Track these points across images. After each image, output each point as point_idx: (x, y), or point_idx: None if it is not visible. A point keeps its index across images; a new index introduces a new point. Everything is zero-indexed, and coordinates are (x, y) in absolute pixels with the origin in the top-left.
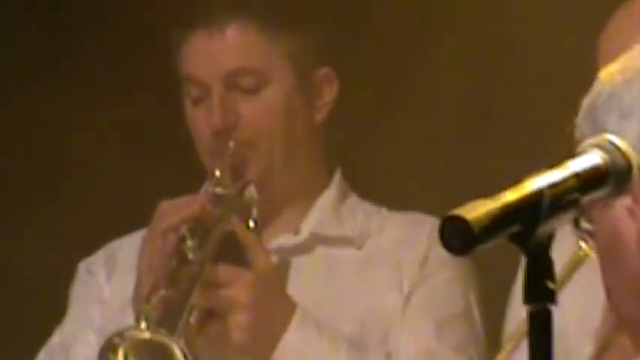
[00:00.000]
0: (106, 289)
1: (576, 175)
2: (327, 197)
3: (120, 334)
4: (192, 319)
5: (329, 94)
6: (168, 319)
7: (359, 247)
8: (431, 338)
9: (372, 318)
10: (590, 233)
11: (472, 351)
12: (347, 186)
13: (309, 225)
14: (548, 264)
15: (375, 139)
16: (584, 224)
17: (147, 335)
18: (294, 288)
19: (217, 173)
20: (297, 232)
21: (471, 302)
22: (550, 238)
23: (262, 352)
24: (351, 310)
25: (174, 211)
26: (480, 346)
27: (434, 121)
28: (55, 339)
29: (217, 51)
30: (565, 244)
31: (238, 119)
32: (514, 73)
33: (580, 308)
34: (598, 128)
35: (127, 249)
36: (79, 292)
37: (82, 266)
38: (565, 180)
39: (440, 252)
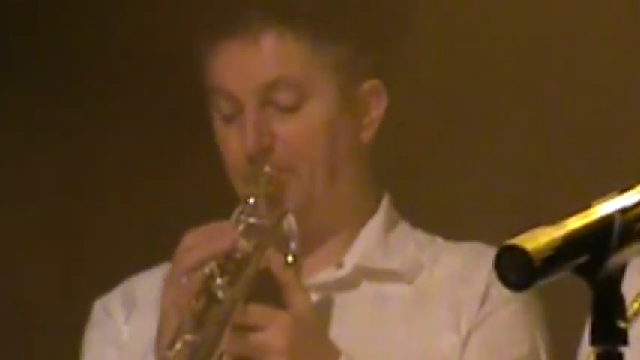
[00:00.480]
0: (125, 331)
1: None
2: (374, 226)
3: None
4: None
5: (377, 109)
6: None
7: (410, 282)
8: None
9: None
10: None
11: None
12: (397, 214)
13: (353, 257)
14: (618, 300)
15: (430, 163)
16: None
17: None
18: (338, 328)
19: (251, 201)
20: (340, 265)
21: (537, 343)
22: (621, 270)
23: None
24: (402, 353)
25: (201, 244)
26: None
27: (495, 148)
28: None
29: (251, 61)
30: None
31: (274, 141)
32: (576, 111)
33: None
34: None
35: (146, 286)
36: (95, 336)
37: (99, 305)
38: (638, 204)
39: (502, 287)
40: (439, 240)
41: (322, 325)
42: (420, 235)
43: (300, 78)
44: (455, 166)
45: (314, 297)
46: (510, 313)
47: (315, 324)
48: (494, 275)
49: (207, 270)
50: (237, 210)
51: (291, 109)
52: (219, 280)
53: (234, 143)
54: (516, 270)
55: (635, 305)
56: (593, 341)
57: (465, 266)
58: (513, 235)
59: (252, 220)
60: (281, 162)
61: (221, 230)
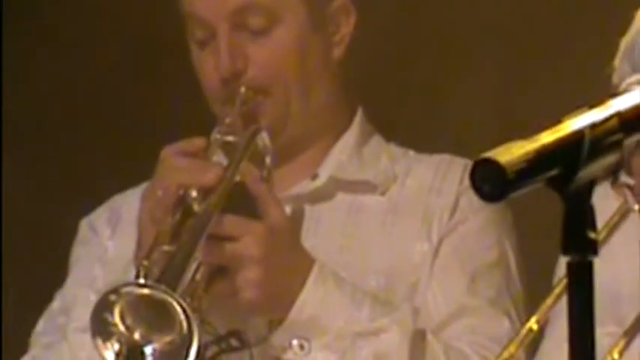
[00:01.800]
0: (110, 248)
1: (619, 115)
2: (348, 139)
3: (116, 290)
4: (198, 276)
5: (346, 26)
6: (170, 275)
7: (383, 193)
8: (463, 292)
9: (398, 271)
10: (630, 187)
11: (508, 304)
12: (370, 127)
13: (327, 169)
14: (589, 212)
15: (401, 75)
16: (624, 178)
17: (145, 291)
18: (313, 239)
19: (227, 120)
20: (314, 177)
21: (506, 250)
22: (591, 184)
23: (276, 311)
24: (375, 262)
25: (186, 170)
26: (518, 299)
27: (468, 57)
28: (56, 304)
29: None
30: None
31: (247, 63)
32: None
33: (637, 271)
34: (639, 67)
35: (131, 203)
36: (81, 253)
37: (85, 223)
38: (607, 120)
39: (472, 197)
40: (411, 153)
41: (297, 235)
42: (393, 148)
43: (270, 1)
44: (427, 78)
45: (289, 209)
46: (480, 222)
47: (290, 234)
48: (464, 185)
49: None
50: (215, 129)
51: (263, 32)
52: (194, 194)
53: (209, 67)
54: (490, 182)
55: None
56: (565, 251)
57: (436, 177)
58: (488, 149)
59: (228, 137)
60: (255, 83)
61: (207, 164)
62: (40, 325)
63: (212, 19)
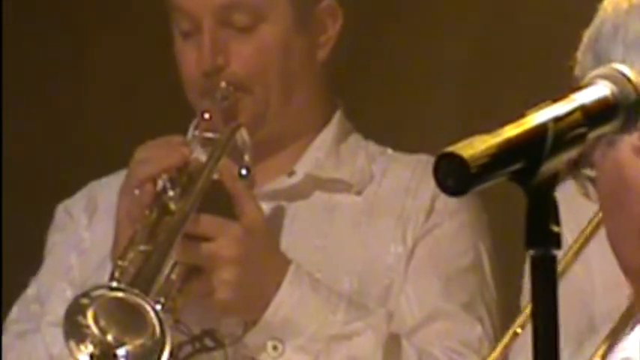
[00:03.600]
0: (86, 237)
1: (583, 108)
2: (325, 137)
3: (88, 294)
4: (173, 276)
5: (332, 28)
6: (144, 276)
7: (359, 193)
8: (436, 296)
9: (372, 273)
10: (592, 180)
11: (481, 309)
12: (350, 125)
13: (304, 166)
14: (552, 205)
15: (380, 72)
16: (586, 171)
17: (118, 294)
18: (288, 237)
19: (207, 116)
20: (291, 173)
21: (481, 254)
22: (554, 177)
23: (251, 312)
24: (350, 263)
25: (153, 159)
26: (491, 303)
27: (443, 60)
28: (30, 291)
29: None
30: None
31: (230, 59)
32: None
33: (610, 269)
34: (603, 60)
35: (108, 192)
36: (56, 239)
37: (61, 208)
38: (571, 113)
39: (448, 199)
40: (389, 151)
41: (273, 236)
42: (372, 147)
43: (257, 0)
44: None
45: (265, 206)
46: (455, 225)
47: (266, 235)
48: None
49: (160, 183)
50: (193, 123)
51: (247, 30)
52: (171, 193)
53: (190, 58)
54: (454, 176)
55: (575, 246)
56: (529, 245)
57: (413, 178)
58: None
59: (206, 133)
60: (236, 79)
61: (172, 145)
62: (14, 312)
63: (198, 13)
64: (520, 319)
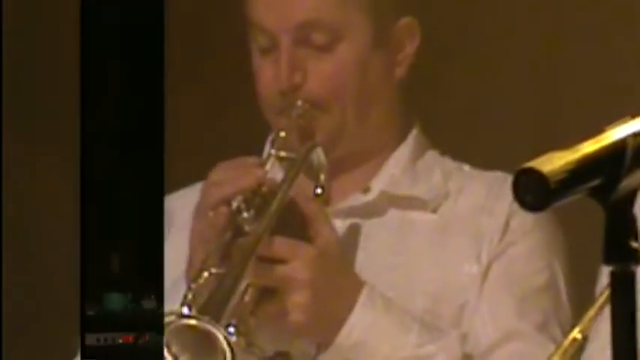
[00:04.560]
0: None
1: None
2: (402, 154)
3: None
4: (246, 298)
5: (410, 46)
6: (216, 300)
7: (434, 211)
8: (511, 317)
9: (446, 292)
10: None
11: (556, 329)
12: (427, 141)
13: (379, 183)
14: (631, 221)
15: (457, 92)
16: None
17: (190, 322)
18: (363, 255)
19: (282, 134)
20: (366, 190)
21: (556, 274)
22: (634, 192)
23: (323, 335)
24: (423, 282)
25: (227, 181)
26: (566, 323)
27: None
28: None
29: (290, 1)
30: None
31: (307, 77)
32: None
33: None
34: None
35: (184, 206)
36: None
37: None
38: None
39: (523, 217)
40: (466, 168)
41: (346, 257)
42: (448, 163)
43: (336, 19)
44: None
45: (340, 223)
46: (530, 244)
47: (340, 257)
48: (516, 206)
49: (234, 204)
50: (269, 142)
51: (325, 49)
52: (245, 214)
53: (267, 75)
54: (533, 192)
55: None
56: (607, 260)
57: (489, 196)
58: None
59: (282, 153)
60: (313, 97)
61: (247, 166)
62: None
63: (276, 30)
64: (580, 326)
